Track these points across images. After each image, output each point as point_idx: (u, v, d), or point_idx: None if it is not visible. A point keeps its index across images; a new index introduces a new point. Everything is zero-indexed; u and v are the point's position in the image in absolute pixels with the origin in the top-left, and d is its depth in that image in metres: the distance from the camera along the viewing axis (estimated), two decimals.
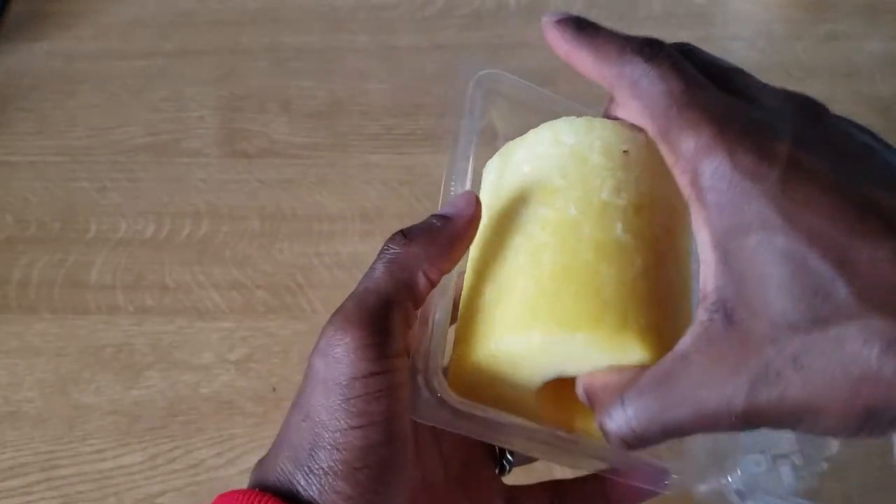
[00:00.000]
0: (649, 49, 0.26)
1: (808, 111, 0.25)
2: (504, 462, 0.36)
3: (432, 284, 0.29)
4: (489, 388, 0.29)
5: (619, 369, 0.26)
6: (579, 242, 0.27)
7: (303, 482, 0.26)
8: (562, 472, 0.38)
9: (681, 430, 0.24)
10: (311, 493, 0.26)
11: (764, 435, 0.45)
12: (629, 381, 0.25)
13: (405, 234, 0.29)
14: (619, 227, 0.27)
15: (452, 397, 0.29)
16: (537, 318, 0.27)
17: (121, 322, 0.53)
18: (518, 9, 0.68)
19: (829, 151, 0.23)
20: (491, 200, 0.31)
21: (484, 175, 0.33)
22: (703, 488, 0.42)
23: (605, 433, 0.25)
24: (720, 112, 0.24)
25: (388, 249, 0.29)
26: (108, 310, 0.54)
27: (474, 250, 0.30)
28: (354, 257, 0.55)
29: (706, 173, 0.23)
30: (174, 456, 0.49)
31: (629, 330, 0.26)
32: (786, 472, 0.44)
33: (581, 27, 0.28)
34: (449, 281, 0.30)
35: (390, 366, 0.27)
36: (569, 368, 0.28)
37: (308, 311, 0.53)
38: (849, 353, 0.21)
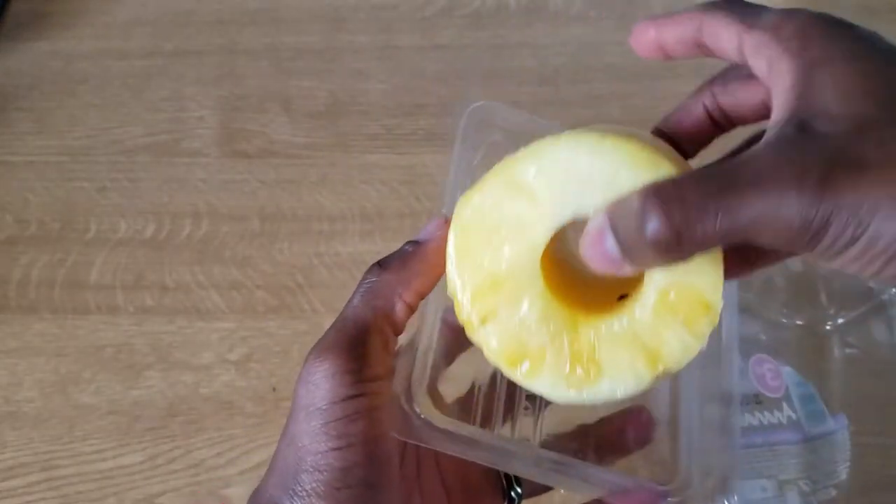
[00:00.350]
0: None
1: None
2: (512, 494, 0.36)
3: (411, 309, 0.30)
4: (491, 247, 0.27)
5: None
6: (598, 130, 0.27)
7: None
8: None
9: (741, 217, 0.21)
10: None
11: (772, 459, 0.44)
12: (671, 178, 0.23)
13: (380, 264, 0.30)
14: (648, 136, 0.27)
15: (437, 417, 0.29)
16: (563, 136, 0.26)
17: (121, 322, 0.53)
18: (518, 9, 0.68)
19: None
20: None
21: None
22: None
23: (649, 234, 0.22)
24: None
25: (364, 280, 0.30)
26: (108, 310, 0.54)
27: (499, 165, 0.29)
28: (354, 257, 0.55)
29: (794, 28, 0.24)
30: (174, 456, 0.49)
31: (659, 149, 0.25)
32: (792, 498, 0.43)
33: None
34: (434, 305, 0.31)
35: (368, 389, 0.28)
36: (588, 200, 0.25)
37: (308, 311, 0.53)
38: None
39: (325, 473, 0.27)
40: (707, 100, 0.29)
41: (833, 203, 0.21)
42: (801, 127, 0.22)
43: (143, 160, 0.60)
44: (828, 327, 0.48)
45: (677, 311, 0.26)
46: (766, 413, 0.45)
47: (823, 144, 0.22)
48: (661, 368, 0.27)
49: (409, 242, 0.30)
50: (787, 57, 0.24)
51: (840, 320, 0.48)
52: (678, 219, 0.22)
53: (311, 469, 0.27)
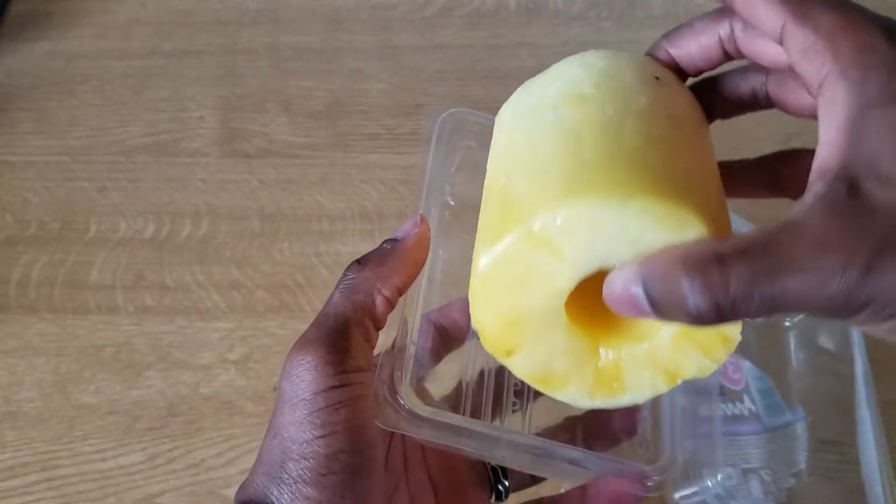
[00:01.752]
0: None
1: None
2: (499, 487, 0.36)
3: (390, 303, 0.30)
4: (513, 293, 0.27)
5: (676, 246, 0.23)
6: (622, 133, 0.25)
7: (275, 493, 0.28)
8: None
9: (784, 298, 0.21)
10: (283, 502, 0.28)
11: (737, 449, 0.45)
12: (715, 243, 0.22)
13: (359, 262, 0.31)
14: (660, 125, 0.26)
15: (418, 405, 0.29)
16: (585, 186, 0.24)
17: (121, 322, 0.53)
18: (518, 9, 0.68)
19: None
20: (507, 123, 0.29)
21: (497, 118, 0.31)
22: (678, 496, 0.42)
23: (687, 302, 0.22)
24: None
25: (344, 278, 0.31)
26: (108, 310, 0.54)
27: (495, 166, 0.29)
28: (354, 257, 0.55)
29: (853, 48, 0.22)
30: (174, 456, 0.49)
31: (687, 201, 0.23)
32: (755, 486, 0.44)
33: None
34: (415, 302, 0.32)
35: (350, 379, 0.29)
36: (613, 255, 0.24)
37: (308, 311, 0.53)
38: None
39: (310, 461, 0.28)
40: (723, 31, 0.27)
41: (876, 286, 0.21)
42: (851, 188, 0.21)
43: (143, 160, 0.60)
44: (786, 324, 0.49)
45: (696, 342, 0.27)
46: (728, 404, 0.46)
47: (873, 221, 0.21)
48: (678, 381, 0.28)
49: (387, 240, 0.31)
50: (843, 85, 0.22)
51: (798, 318, 0.49)
52: (722, 300, 0.22)
53: (296, 457, 0.28)
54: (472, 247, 0.29)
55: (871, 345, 0.47)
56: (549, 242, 0.24)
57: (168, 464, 0.49)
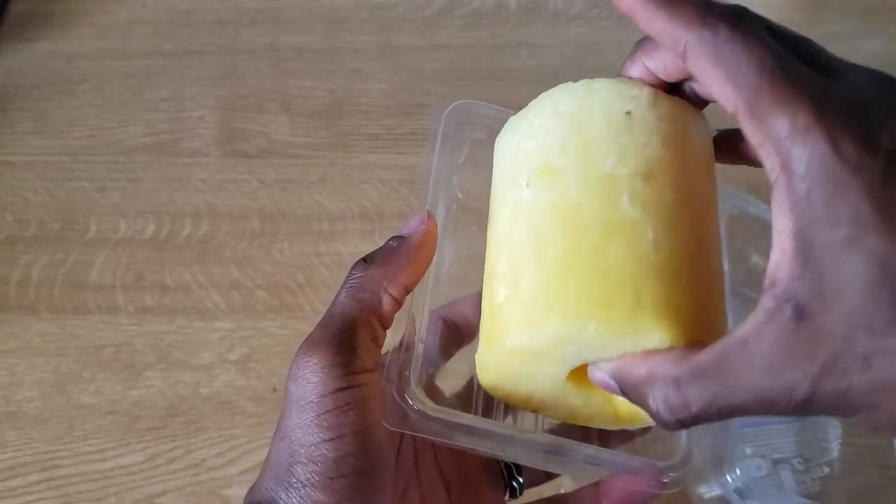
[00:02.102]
0: (735, 16, 0.23)
1: None
2: (514, 483, 0.36)
3: (397, 302, 0.30)
4: (517, 384, 0.29)
5: (648, 353, 0.25)
6: (583, 223, 0.26)
7: (284, 497, 0.28)
8: None
9: (737, 412, 0.24)
10: None
11: (764, 440, 0.45)
12: (675, 360, 0.24)
13: (365, 260, 0.30)
14: (625, 199, 0.26)
15: (427, 405, 0.29)
16: (545, 313, 0.26)
17: (121, 322, 0.53)
18: (518, 9, 0.68)
19: None
20: (498, 188, 0.30)
21: (494, 156, 0.32)
22: (701, 489, 0.42)
23: (655, 415, 0.25)
24: (819, 93, 0.22)
25: (350, 277, 0.30)
26: (108, 310, 0.54)
27: (491, 245, 0.30)
28: (354, 257, 0.54)
29: (801, 159, 0.21)
30: (174, 456, 0.49)
31: (643, 311, 0.24)
32: (787, 476, 0.44)
33: None
34: (423, 300, 0.31)
35: (358, 381, 0.28)
36: (590, 356, 0.27)
37: (308, 311, 0.53)
38: None
39: (318, 464, 0.27)
40: (637, 70, 0.28)
41: (821, 407, 0.22)
42: (797, 311, 0.22)
43: (143, 160, 0.60)
44: None
45: None
46: None
47: (817, 347, 0.22)
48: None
49: (393, 238, 0.31)
50: (790, 197, 0.22)
51: None
52: (684, 418, 0.24)
53: (304, 461, 0.27)
54: (481, 240, 0.30)
55: None
56: (529, 354, 0.27)
57: (168, 464, 0.49)
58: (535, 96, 0.30)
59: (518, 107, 0.31)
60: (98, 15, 0.69)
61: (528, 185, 0.28)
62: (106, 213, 0.58)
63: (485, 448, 0.30)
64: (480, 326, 0.30)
